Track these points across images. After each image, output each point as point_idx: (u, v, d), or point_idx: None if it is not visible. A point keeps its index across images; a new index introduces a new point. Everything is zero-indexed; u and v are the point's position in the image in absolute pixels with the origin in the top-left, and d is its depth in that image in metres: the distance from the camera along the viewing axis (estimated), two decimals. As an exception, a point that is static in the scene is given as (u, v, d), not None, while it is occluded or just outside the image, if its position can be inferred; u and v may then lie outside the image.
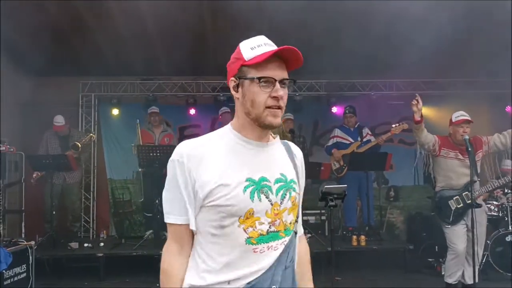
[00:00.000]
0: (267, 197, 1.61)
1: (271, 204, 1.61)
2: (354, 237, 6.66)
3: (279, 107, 1.61)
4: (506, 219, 6.32)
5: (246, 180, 1.59)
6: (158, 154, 6.71)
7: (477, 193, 4.94)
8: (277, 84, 1.59)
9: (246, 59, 1.62)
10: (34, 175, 7.03)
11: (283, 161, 1.75)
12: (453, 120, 5.04)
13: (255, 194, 1.59)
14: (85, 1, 6.04)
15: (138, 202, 8.39)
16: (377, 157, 6.93)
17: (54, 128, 7.40)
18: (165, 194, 1.68)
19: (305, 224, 6.86)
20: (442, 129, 5.45)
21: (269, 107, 1.61)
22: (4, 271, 4.54)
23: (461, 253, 4.98)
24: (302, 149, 7.20)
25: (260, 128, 1.65)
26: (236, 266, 1.59)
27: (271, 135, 1.76)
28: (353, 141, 7.42)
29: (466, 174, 4.88)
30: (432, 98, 7.97)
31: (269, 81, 1.59)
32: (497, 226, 6.36)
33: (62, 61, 7.36)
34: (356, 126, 7.55)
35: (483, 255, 5.77)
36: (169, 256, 1.68)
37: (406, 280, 6.16)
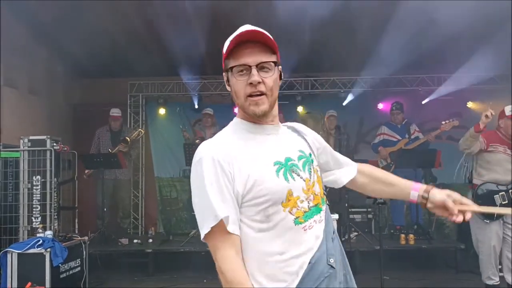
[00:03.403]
0: (298, 175, 1.60)
1: (304, 181, 1.61)
2: (402, 235, 6.51)
3: (260, 94, 1.57)
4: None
5: (275, 164, 1.58)
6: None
7: None
8: (253, 70, 1.54)
9: (224, 52, 1.60)
10: (86, 172, 7.30)
11: (295, 139, 1.75)
12: (506, 114, 4.84)
13: (288, 175, 1.58)
14: (134, 1, 6.20)
15: (185, 200, 8.54)
16: (426, 154, 6.76)
17: (112, 117, 7.64)
18: (200, 199, 1.53)
19: (352, 222, 6.76)
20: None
21: (249, 96, 1.57)
22: (60, 265, 4.72)
23: (494, 251, 4.75)
24: (347, 147, 7.21)
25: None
26: (291, 250, 1.55)
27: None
28: (400, 138, 7.26)
29: None
30: (482, 93, 7.70)
31: (245, 69, 1.56)
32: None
33: (111, 63, 7.58)
34: (403, 122, 7.38)
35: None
36: (231, 262, 1.50)
37: (457, 280, 5.98)
